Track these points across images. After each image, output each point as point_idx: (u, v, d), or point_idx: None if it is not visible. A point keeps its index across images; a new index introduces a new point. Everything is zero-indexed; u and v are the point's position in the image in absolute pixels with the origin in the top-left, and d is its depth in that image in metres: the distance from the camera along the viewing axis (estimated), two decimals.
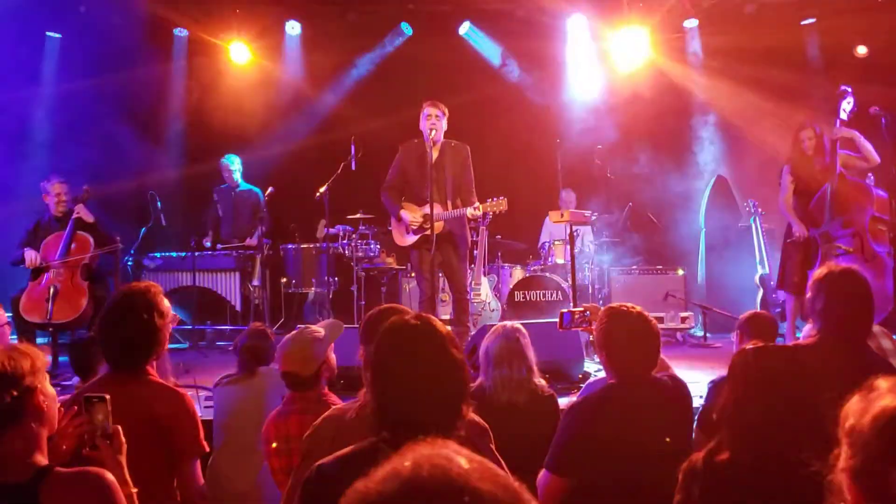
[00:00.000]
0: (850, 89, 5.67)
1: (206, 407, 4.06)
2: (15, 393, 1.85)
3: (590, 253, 7.73)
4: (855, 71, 7.23)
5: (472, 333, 5.43)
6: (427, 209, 5.44)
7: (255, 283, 7.24)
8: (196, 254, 7.10)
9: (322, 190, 6.53)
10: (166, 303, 2.72)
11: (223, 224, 7.60)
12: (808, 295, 2.94)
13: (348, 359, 3.36)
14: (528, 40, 8.40)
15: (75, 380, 4.08)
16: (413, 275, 6.58)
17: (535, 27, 8.34)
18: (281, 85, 8.62)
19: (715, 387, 3.15)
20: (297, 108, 8.65)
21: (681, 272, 7.60)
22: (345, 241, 7.21)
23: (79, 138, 7.66)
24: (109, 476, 1.91)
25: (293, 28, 8.58)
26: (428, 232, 5.47)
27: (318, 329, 3.04)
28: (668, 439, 2.60)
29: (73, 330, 5.88)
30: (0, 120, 7.51)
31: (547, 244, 7.82)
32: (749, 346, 2.17)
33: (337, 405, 2.65)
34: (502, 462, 2.08)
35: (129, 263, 7.14)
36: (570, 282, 6.07)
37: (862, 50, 7.49)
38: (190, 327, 7.00)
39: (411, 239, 5.81)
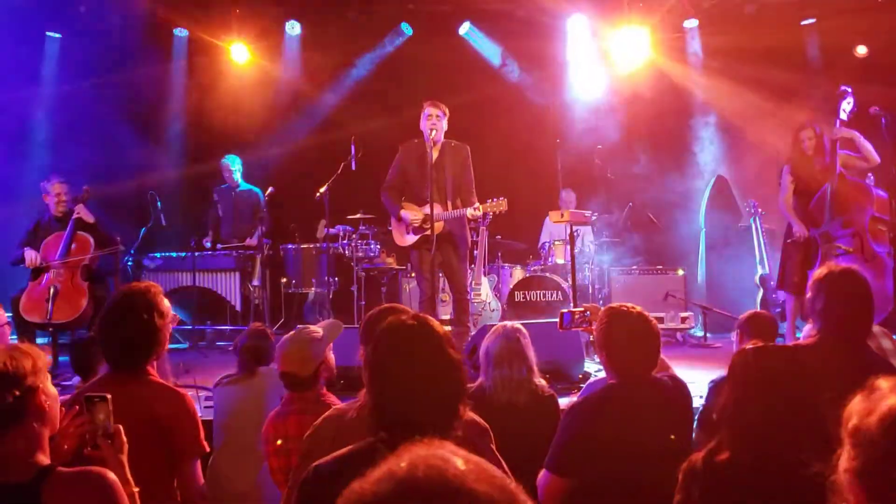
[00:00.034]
0: (850, 89, 5.67)
1: (206, 407, 4.06)
2: (17, 393, 1.85)
3: (590, 253, 7.73)
4: (855, 71, 7.24)
5: (473, 333, 5.43)
6: (427, 209, 5.44)
7: (256, 283, 7.25)
8: (196, 254, 7.10)
9: (322, 190, 6.53)
10: (166, 303, 2.72)
11: (223, 224, 7.60)
12: (808, 295, 2.95)
13: (348, 359, 3.36)
14: (528, 40, 8.40)
15: (75, 380, 4.08)
16: (413, 275, 6.58)
17: (535, 27, 8.34)
18: (281, 85, 8.62)
19: (715, 387, 3.15)
20: (298, 108, 8.66)
21: (681, 272, 7.60)
22: (345, 242, 7.21)
23: (79, 138, 7.66)
24: (111, 475, 1.91)
25: (293, 28, 8.58)
26: (428, 232, 5.47)
27: (317, 329, 3.03)
28: (672, 436, 2.61)
29: (73, 330, 5.88)
30: (0, 120, 7.52)
31: (547, 244, 7.82)
32: (749, 346, 2.17)
33: (336, 405, 2.65)
34: (503, 462, 2.08)
35: (129, 263, 7.14)
36: (571, 282, 6.08)
37: (862, 50, 7.49)
38: (190, 327, 7.00)
39: (411, 239, 5.82)
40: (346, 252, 7.21)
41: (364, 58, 8.71)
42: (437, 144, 5.61)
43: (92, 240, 6.02)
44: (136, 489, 2.08)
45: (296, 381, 2.92)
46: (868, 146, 5.73)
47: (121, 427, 2.15)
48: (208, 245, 7.43)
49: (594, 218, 7.12)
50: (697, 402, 3.23)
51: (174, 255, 7.34)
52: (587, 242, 7.79)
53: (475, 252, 6.93)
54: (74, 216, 6.03)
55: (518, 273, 7.58)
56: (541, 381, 3.36)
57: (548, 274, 7.44)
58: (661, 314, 6.97)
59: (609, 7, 8.19)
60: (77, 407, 2.24)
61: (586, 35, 8.44)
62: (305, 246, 7.48)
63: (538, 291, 7.31)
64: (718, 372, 3.40)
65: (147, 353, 2.63)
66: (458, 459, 0.90)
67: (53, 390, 1.98)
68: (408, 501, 0.85)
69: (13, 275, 6.37)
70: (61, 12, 8.04)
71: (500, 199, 5.54)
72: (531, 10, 8.21)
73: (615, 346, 2.71)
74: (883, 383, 1.39)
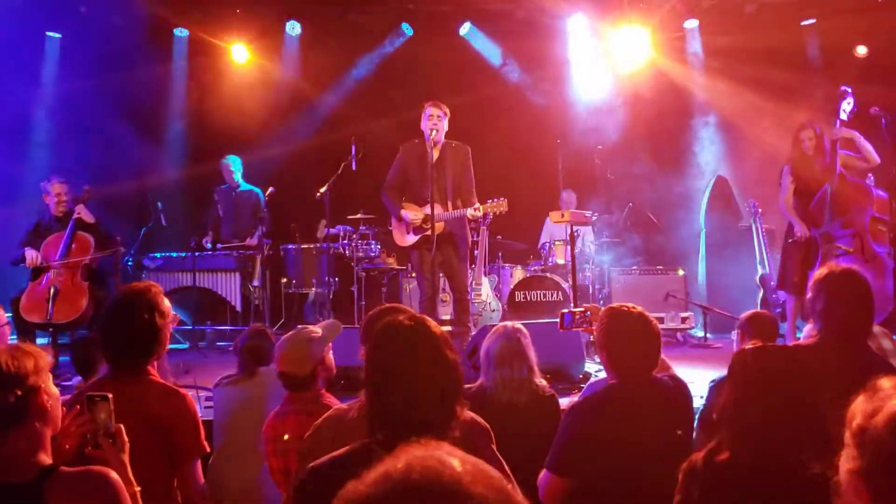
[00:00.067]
0: (850, 89, 5.67)
1: (206, 407, 4.06)
2: (19, 392, 1.85)
3: (590, 253, 7.73)
4: (855, 71, 7.25)
5: (473, 334, 5.42)
6: (427, 209, 5.44)
7: (256, 283, 7.24)
8: (196, 254, 7.09)
9: (322, 190, 6.52)
10: (167, 303, 2.72)
11: (223, 224, 7.60)
12: (809, 295, 2.94)
13: (349, 359, 3.36)
14: (529, 40, 8.40)
15: (76, 379, 4.08)
16: (413, 275, 6.58)
17: (535, 27, 8.34)
18: (281, 85, 8.62)
19: (715, 387, 3.15)
20: (298, 108, 8.66)
21: (681, 272, 7.59)
22: (345, 242, 7.21)
23: (79, 138, 7.67)
24: (114, 475, 1.91)
25: (293, 28, 8.58)
26: (428, 232, 5.47)
27: (316, 329, 3.03)
28: (679, 431, 2.61)
29: (73, 330, 5.88)
30: (0, 120, 7.52)
31: (547, 244, 7.82)
32: (749, 346, 2.17)
33: (335, 405, 2.65)
34: (503, 463, 2.08)
35: (130, 263, 7.13)
36: (571, 282, 6.08)
37: (862, 50, 7.50)
38: (190, 327, 6.99)
39: (412, 239, 5.82)
40: (347, 252, 7.20)
41: (364, 58, 8.72)
42: (438, 145, 5.61)
43: (92, 240, 6.02)
44: (137, 489, 2.08)
45: (293, 380, 2.92)
46: (868, 146, 5.73)
47: (122, 426, 2.15)
48: (208, 245, 7.42)
49: (594, 218, 7.12)
50: (697, 402, 3.23)
51: (174, 255, 7.34)
52: (587, 242, 7.79)
53: (475, 252, 6.93)
54: (75, 216, 6.03)
55: (518, 273, 7.58)
56: (541, 382, 3.35)
57: (548, 274, 7.44)
58: (662, 314, 6.97)
59: (609, 7, 8.20)
60: (78, 406, 2.24)
61: (586, 35, 8.44)
62: (306, 246, 7.48)
63: (538, 292, 7.31)
64: (719, 372, 3.41)
65: (147, 353, 2.64)
66: (454, 460, 0.89)
67: (55, 390, 1.98)
68: (404, 503, 0.85)
69: (13, 275, 6.37)
70: (61, 12, 8.04)
71: (501, 199, 5.54)
72: (531, 11, 8.22)
73: (616, 347, 2.71)
74: (886, 383, 1.38)
